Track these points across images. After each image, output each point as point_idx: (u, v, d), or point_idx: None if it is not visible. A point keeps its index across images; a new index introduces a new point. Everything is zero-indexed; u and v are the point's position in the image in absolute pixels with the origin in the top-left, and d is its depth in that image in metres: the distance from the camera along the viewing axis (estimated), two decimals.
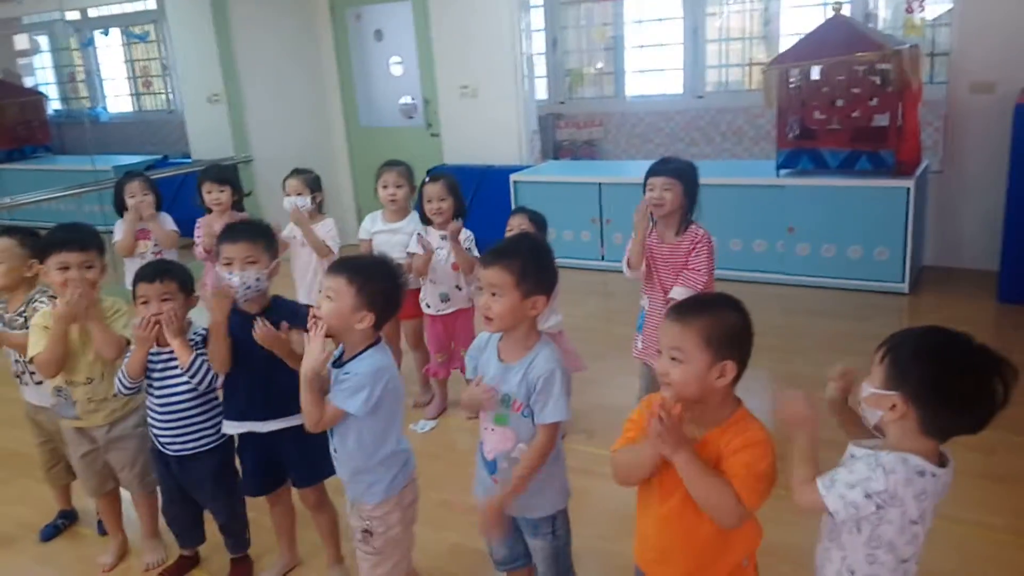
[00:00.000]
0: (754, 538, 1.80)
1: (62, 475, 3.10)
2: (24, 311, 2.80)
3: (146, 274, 2.47)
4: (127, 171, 4.79)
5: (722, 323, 1.66)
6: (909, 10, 6.17)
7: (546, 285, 1.99)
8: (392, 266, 2.20)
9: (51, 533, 3.15)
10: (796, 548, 2.58)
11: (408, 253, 3.64)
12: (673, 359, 1.66)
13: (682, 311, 1.71)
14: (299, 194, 3.93)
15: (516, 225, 3.33)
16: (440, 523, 2.95)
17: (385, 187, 3.81)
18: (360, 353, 2.07)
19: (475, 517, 2.25)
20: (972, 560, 2.63)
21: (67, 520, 3.20)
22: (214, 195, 4.12)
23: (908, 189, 4.90)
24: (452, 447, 3.67)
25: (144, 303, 2.45)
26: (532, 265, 1.96)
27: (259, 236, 2.46)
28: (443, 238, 3.61)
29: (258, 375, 2.41)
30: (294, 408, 2.22)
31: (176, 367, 2.48)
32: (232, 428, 2.54)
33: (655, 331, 3.17)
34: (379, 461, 2.13)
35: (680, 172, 3.07)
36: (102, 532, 3.08)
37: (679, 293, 2.99)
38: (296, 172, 4.05)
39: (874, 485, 1.53)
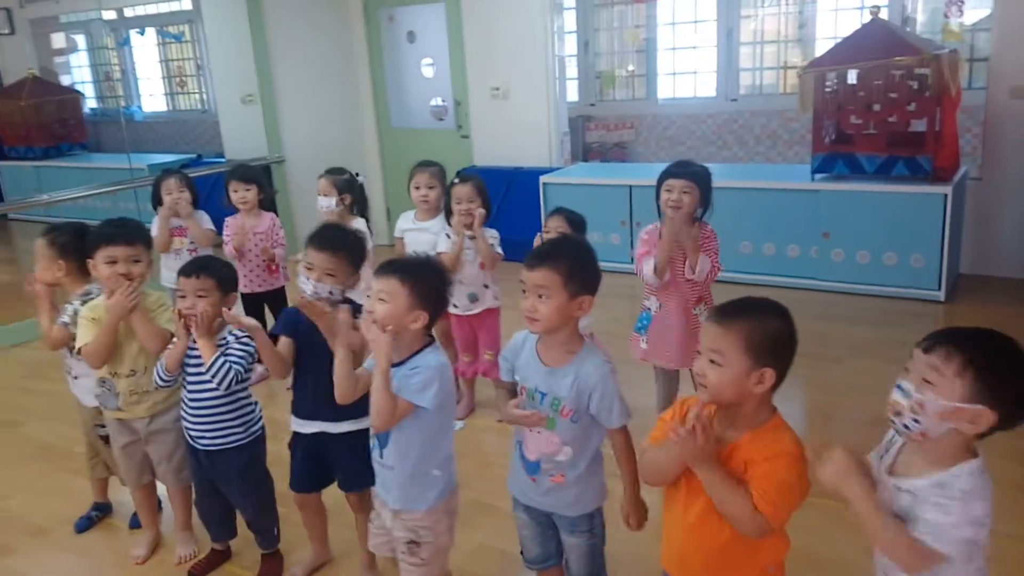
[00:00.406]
0: (780, 548, 1.76)
1: (101, 469, 3.14)
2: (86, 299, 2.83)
3: (186, 269, 2.50)
4: (165, 168, 4.85)
5: (765, 328, 1.63)
6: (948, 15, 6.08)
7: (592, 285, 1.98)
8: (438, 263, 2.20)
9: (85, 525, 3.19)
10: (820, 554, 2.56)
11: (437, 253, 3.64)
12: (712, 361, 1.64)
13: (725, 313, 1.68)
14: (325, 195, 3.96)
15: (554, 227, 3.30)
16: (466, 523, 2.93)
17: (418, 188, 3.83)
18: (415, 354, 2.07)
19: (501, 517, 2.25)
20: (1007, 573, 2.57)
21: (101, 512, 3.24)
22: (240, 194, 4.17)
23: (946, 195, 4.82)
24: (480, 447, 3.67)
25: (181, 297, 2.48)
26: (578, 265, 1.95)
27: (343, 248, 2.41)
28: (470, 239, 3.61)
29: (326, 376, 2.36)
30: (359, 411, 2.25)
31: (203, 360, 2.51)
32: (300, 427, 2.54)
33: (665, 333, 3.20)
34: (437, 464, 2.13)
35: (698, 176, 3.10)
36: (134, 526, 3.12)
37: (703, 261, 3.07)
38: (328, 172, 4.06)
39: (975, 512, 1.47)
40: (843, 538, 2.69)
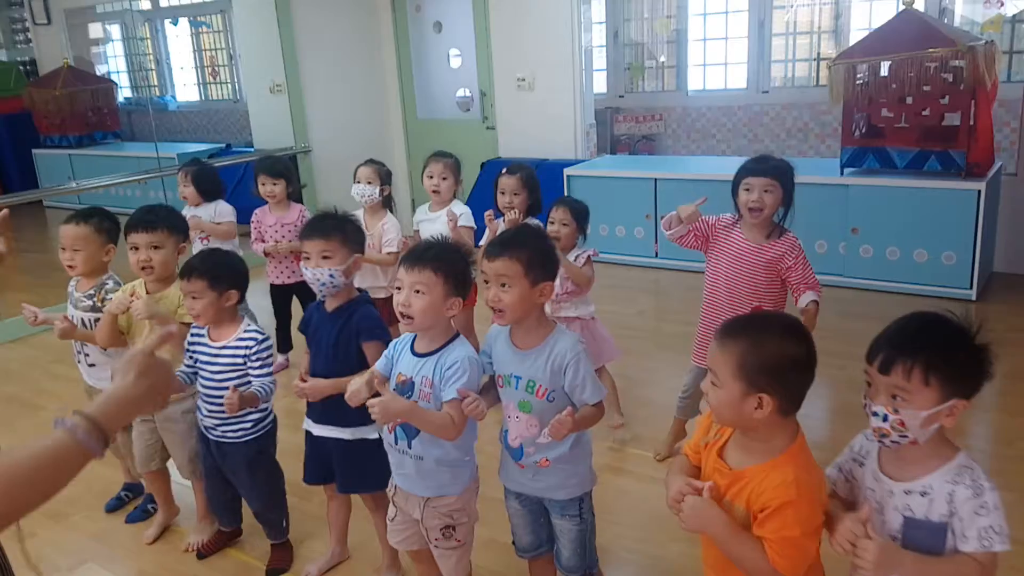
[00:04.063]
0: None
1: (123, 450, 3.15)
2: (93, 294, 2.87)
3: (182, 270, 2.52)
4: (189, 159, 4.87)
5: (761, 351, 1.53)
6: (987, 5, 5.92)
7: (552, 271, 2.02)
8: (461, 247, 2.20)
9: (115, 505, 3.25)
10: None
11: (454, 228, 3.68)
12: (712, 382, 1.58)
13: (726, 330, 1.60)
14: (369, 183, 3.92)
15: (559, 219, 3.27)
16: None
17: (431, 177, 3.83)
18: (446, 345, 2.07)
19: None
20: None
21: (131, 493, 3.28)
22: (268, 187, 4.18)
23: (979, 192, 4.70)
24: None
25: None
26: (538, 253, 1.99)
27: (334, 231, 2.40)
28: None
29: (319, 375, 2.40)
30: (346, 419, 2.28)
31: (222, 358, 2.53)
32: (306, 423, 2.56)
33: (707, 330, 3.05)
34: (467, 449, 2.17)
35: (781, 172, 2.86)
36: (135, 519, 3.15)
37: (812, 297, 2.79)
38: (370, 162, 4.04)
39: (996, 496, 1.47)
40: None
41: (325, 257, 2.37)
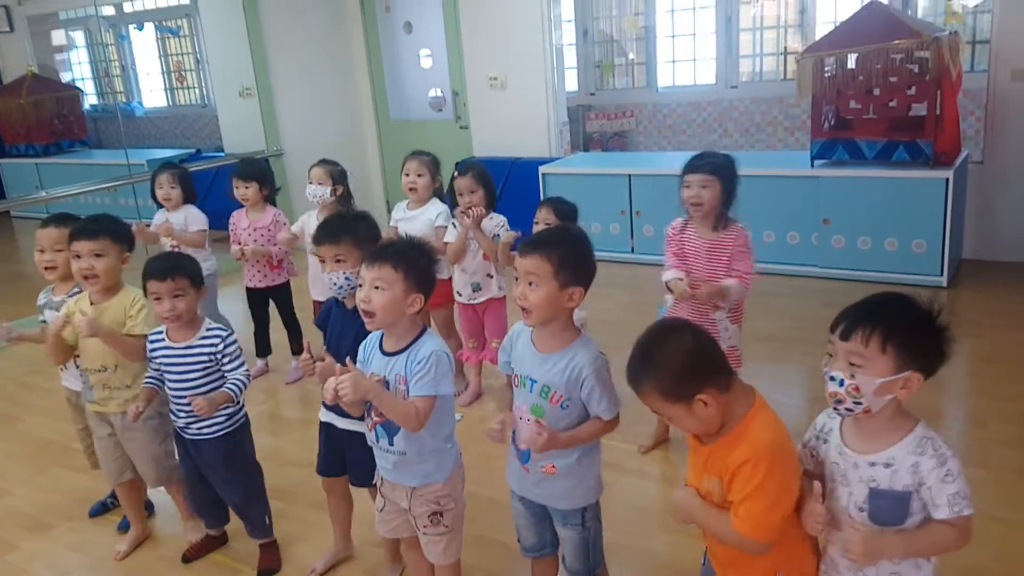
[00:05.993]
0: (793, 556, 1.72)
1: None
2: (75, 293, 2.84)
3: (156, 272, 2.47)
4: (163, 162, 4.83)
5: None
6: None
7: (584, 277, 1.99)
8: (424, 244, 2.20)
9: (99, 510, 3.23)
10: None
11: (444, 243, 3.67)
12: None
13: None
14: (320, 183, 3.96)
15: (542, 219, 3.28)
16: (466, 516, 2.92)
17: (407, 175, 3.84)
18: (415, 341, 2.08)
19: (502, 510, 2.25)
20: (1013, 559, 2.55)
21: (116, 500, 3.21)
22: (240, 191, 4.16)
23: (947, 180, 4.78)
24: (482, 439, 3.63)
25: (156, 300, 2.48)
26: (571, 255, 1.96)
27: (344, 233, 2.41)
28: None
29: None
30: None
31: (187, 358, 2.51)
32: (321, 414, 2.57)
33: None
34: (445, 437, 2.17)
35: (718, 168, 3.00)
36: (123, 528, 3.10)
37: (733, 284, 2.94)
38: (323, 162, 4.08)
39: (958, 463, 1.53)
40: None
41: (339, 261, 2.38)
